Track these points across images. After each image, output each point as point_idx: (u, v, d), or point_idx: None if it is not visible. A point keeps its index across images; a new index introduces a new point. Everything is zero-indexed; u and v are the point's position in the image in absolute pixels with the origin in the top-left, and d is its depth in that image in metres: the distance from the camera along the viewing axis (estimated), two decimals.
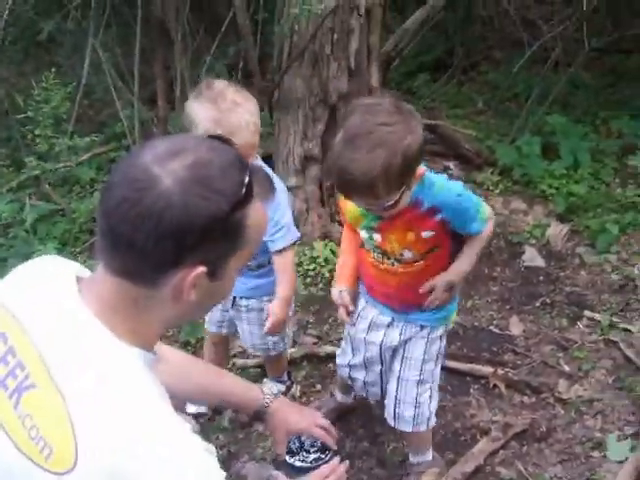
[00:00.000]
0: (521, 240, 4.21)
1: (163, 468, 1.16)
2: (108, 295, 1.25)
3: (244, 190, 1.21)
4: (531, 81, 5.39)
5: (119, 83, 4.95)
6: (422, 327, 2.35)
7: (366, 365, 2.54)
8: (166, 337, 3.47)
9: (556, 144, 4.63)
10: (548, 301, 3.75)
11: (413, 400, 2.44)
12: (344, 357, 2.62)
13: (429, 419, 2.50)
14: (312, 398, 3.19)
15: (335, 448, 1.97)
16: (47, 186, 4.80)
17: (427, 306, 2.25)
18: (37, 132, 4.12)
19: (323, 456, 2.05)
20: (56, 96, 4.08)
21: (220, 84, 2.25)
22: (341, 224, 4.25)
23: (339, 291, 2.39)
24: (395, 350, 2.43)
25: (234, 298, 2.67)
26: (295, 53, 3.85)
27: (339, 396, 2.93)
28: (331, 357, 3.14)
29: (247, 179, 1.22)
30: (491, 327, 3.59)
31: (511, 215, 4.38)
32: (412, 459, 2.70)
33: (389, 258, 2.18)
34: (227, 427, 3.05)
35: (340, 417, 2.94)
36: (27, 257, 3.97)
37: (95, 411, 1.17)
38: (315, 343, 3.52)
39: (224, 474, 1.26)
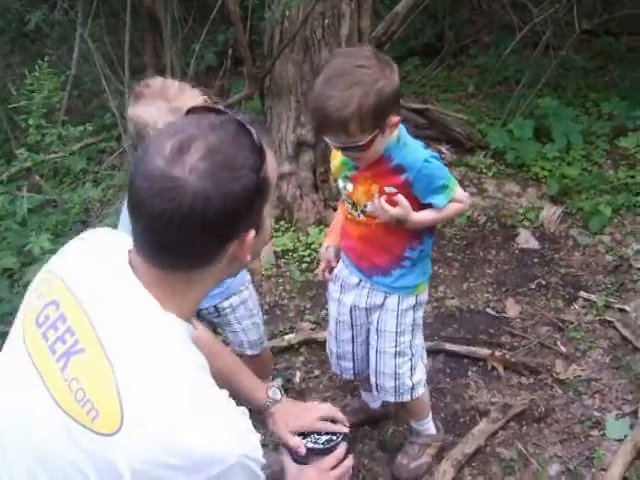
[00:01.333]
0: (515, 223, 4.22)
1: (203, 433, 1.20)
2: (157, 276, 1.29)
3: (259, 151, 1.26)
4: (521, 64, 5.40)
5: (109, 73, 4.91)
6: (386, 296, 2.36)
7: (337, 336, 2.58)
8: None
9: (548, 127, 4.64)
10: (543, 283, 3.77)
11: (392, 372, 2.47)
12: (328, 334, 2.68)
13: (413, 389, 2.51)
14: (311, 384, 3.20)
15: (346, 431, 1.96)
16: (38, 178, 4.77)
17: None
18: (30, 122, 4.08)
19: (335, 437, 2.05)
20: (48, 86, 4.04)
21: (157, 79, 2.21)
22: (335, 209, 4.26)
23: (326, 246, 2.51)
24: (370, 323, 2.47)
25: (215, 308, 2.61)
26: (286, 39, 3.83)
27: (363, 394, 2.93)
28: None
29: (256, 139, 1.26)
30: (487, 309, 3.61)
31: (504, 198, 4.38)
32: (413, 424, 2.74)
33: (356, 209, 2.24)
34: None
35: (368, 422, 2.93)
36: (20, 249, 4.00)
37: (141, 378, 1.21)
38: (313, 329, 3.53)
39: (258, 435, 1.30)
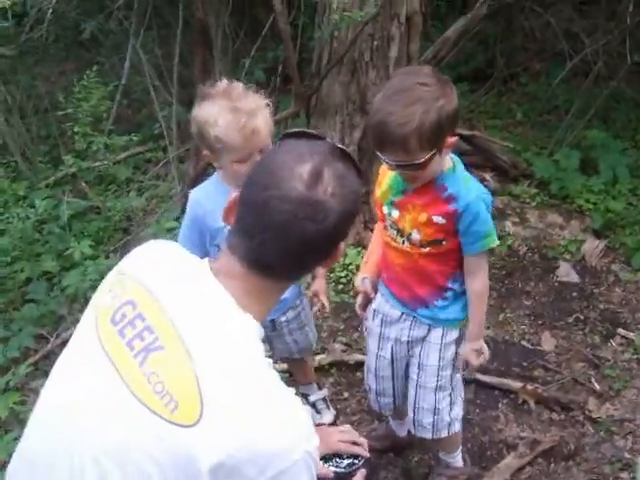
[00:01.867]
0: (556, 255, 4.16)
1: (275, 427, 1.27)
2: (253, 282, 1.39)
3: (360, 174, 1.43)
4: (571, 94, 5.32)
5: (158, 84, 4.98)
6: (430, 328, 2.34)
7: (376, 372, 2.55)
8: None
9: (595, 159, 4.57)
10: (581, 317, 3.70)
11: (432, 407, 2.44)
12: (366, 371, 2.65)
13: (450, 425, 2.49)
14: (339, 406, 3.19)
15: (367, 455, 1.95)
16: (83, 184, 4.84)
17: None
18: (76, 129, 4.16)
19: (356, 462, 2.05)
20: (96, 94, 4.12)
21: (224, 81, 2.24)
22: (373, 231, 4.25)
23: (362, 278, 2.48)
24: (411, 356, 2.44)
25: (272, 322, 2.67)
26: (334, 59, 3.84)
27: (391, 423, 2.89)
28: (359, 365, 3.13)
29: (358, 164, 1.43)
30: (523, 342, 3.56)
31: (547, 229, 4.32)
32: (442, 456, 2.71)
33: (401, 236, 2.22)
34: None
35: (393, 449, 2.91)
36: (61, 253, 4.05)
37: (220, 372, 1.28)
38: (344, 351, 3.51)
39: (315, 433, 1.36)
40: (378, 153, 2.04)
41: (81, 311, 3.51)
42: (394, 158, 2.00)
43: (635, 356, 3.40)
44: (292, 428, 1.30)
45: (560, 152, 4.60)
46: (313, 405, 3.07)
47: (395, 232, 2.24)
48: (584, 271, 4.05)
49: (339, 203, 1.33)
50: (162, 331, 1.32)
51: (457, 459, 2.71)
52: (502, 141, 4.83)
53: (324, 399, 3.11)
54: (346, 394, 3.27)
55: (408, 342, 2.40)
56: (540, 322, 3.69)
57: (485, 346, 2.34)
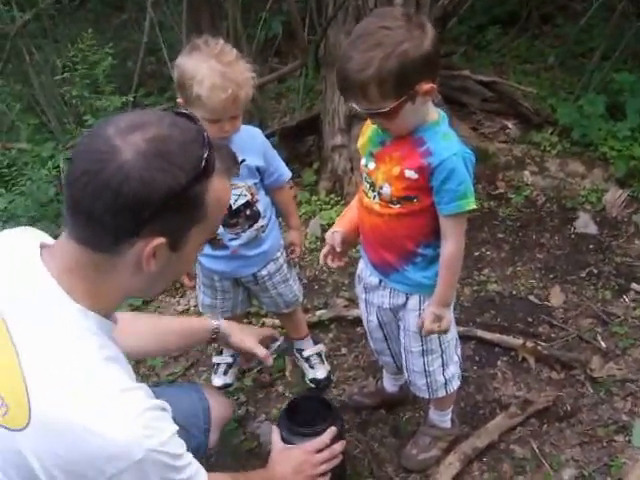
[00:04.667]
0: (575, 205, 4.00)
1: (105, 428, 1.22)
2: (68, 259, 1.31)
3: (203, 164, 1.26)
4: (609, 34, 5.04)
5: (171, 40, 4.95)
6: (408, 296, 2.26)
7: (371, 335, 2.54)
8: None
9: (622, 103, 4.32)
10: (595, 271, 3.56)
11: (421, 370, 2.40)
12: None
13: (446, 384, 2.44)
14: (335, 362, 3.17)
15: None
16: None
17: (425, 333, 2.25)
18: (74, 92, 4.20)
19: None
20: (102, 56, 4.13)
21: (220, 41, 2.25)
22: None
23: (333, 232, 2.36)
24: (398, 320, 2.38)
25: (254, 276, 2.68)
26: (337, 7, 3.72)
27: (385, 377, 2.85)
28: (359, 321, 3.07)
29: (207, 154, 1.27)
30: (530, 296, 3.44)
31: (567, 178, 4.15)
32: (432, 414, 2.66)
33: (373, 190, 2.12)
34: (249, 386, 3.08)
35: (383, 406, 2.88)
36: None
37: (46, 372, 1.24)
38: (346, 306, 3.47)
39: (173, 427, 1.34)
40: (346, 100, 1.97)
41: None
42: (359, 105, 1.90)
43: None
44: (124, 430, 1.24)
45: (585, 97, 4.37)
46: (307, 360, 3.06)
47: (368, 185, 2.15)
48: (604, 222, 3.89)
49: (133, 156, 1.20)
50: None
51: (445, 419, 2.66)
52: (528, 87, 4.64)
53: (319, 354, 3.09)
54: (344, 350, 3.24)
55: (391, 309, 2.35)
56: (551, 276, 3.56)
57: (449, 317, 2.21)
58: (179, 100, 2.28)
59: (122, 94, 4.98)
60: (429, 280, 2.19)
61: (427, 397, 2.49)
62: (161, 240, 1.27)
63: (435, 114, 2.01)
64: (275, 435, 2.07)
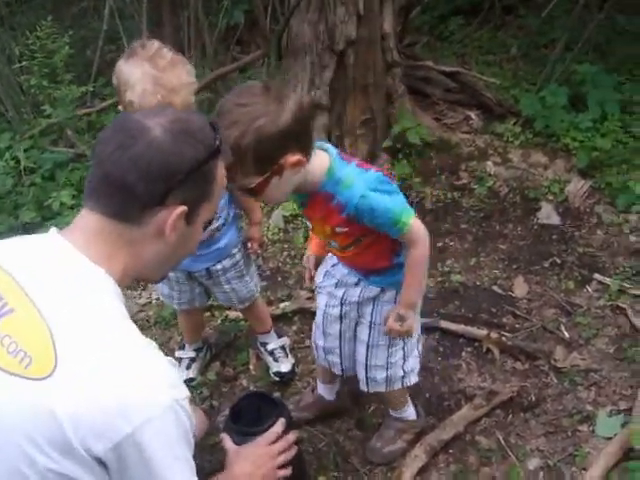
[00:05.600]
0: (538, 196, 4.01)
1: (132, 377, 1.27)
2: (90, 229, 1.39)
3: (217, 143, 1.43)
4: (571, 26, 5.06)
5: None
6: (383, 289, 2.26)
7: (324, 329, 2.48)
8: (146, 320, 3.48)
9: (584, 95, 4.35)
10: (558, 262, 3.57)
11: (384, 362, 2.38)
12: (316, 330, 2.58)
13: (403, 377, 2.43)
14: (299, 354, 3.14)
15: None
16: (69, 132, 4.76)
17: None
18: (32, 82, 4.09)
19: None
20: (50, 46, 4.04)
21: (155, 44, 2.14)
22: None
23: (307, 256, 2.51)
24: (360, 317, 2.37)
25: (207, 271, 2.65)
26: None
27: (320, 387, 2.80)
28: None
29: (219, 135, 1.45)
30: (494, 287, 3.45)
31: (530, 169, 4.15)
32: (392, 413, 2.65)
33: (328, 244, 2.20)
34: (212, 380, 3.04)
35: (321, 417, 2.81)
36: (41, 204, 4.00)
37: (73, 328, 1.28)
38: (309, 298, 3.43)
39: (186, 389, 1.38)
40: None
41: None
42: (230, 183, 1.84)
43: (610, 302, 3.26)
44: (151, 377, 1.30)
45: (547, 88, 4.38)
46: (271, 353, 3.03)
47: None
48: (566, 213, 3.90)
49: (162, 132, 1.34)
50: (11, 296, 1.32)
51: (408, 413, 2.64)
52: (490, 77, 4.64)
53: (282, 347, 3.07)
54: (308, 342, 3.18)
55: (358, 302, 2.33)
56: (514, 266, 3.57)
57: (411, 320, 2.20)
58: (119, 107, 2.17)
59: (81, 83, 4.90)
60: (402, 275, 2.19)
61: (384, 390, 2.47)
62: (183, 208, 1.38)
63: (325, 161, 1.92)
64: (226, 441, 2.02)
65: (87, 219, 1.40)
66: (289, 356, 3.06)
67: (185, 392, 1.36)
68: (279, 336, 3.11)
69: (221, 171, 1.47)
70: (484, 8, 5.78)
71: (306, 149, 1.83)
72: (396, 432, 2.65)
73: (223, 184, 1.50)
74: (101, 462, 1.26)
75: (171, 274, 2.66)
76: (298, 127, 1.78)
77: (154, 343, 1.38)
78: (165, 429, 1.30)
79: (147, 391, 1.28)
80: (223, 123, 1.69)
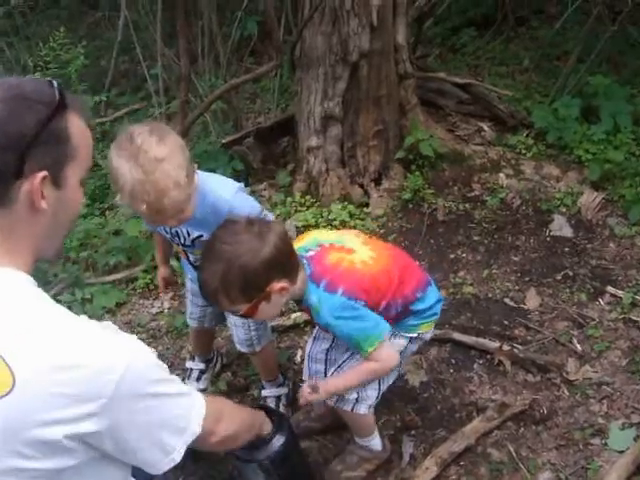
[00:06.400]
0: (550, 208, 4.00)
1: (85, 351, 1.28)
2: None
3: (58, 97, 1.36)
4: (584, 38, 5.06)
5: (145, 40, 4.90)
6: None
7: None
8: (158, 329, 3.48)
9: (597, 107, 4.34)
10: (570, 274, 3.56)
11: None
12: None
13: (357, 402, 2.40)
14: None
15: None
16: None
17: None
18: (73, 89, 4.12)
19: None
20: (75, 55, 4.07)
21: (140, 135, 1.95)
22: (361, 186, 4.14)
23: None
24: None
25: None
26: (313, 8, 3.69)
27: None
28: None
29: (57, 91, 1.37)
30: (506, 299, 3.44)
31: (542, 181, 4.15)
32: (357, 440, 2.63)
33: None
34: (223, 390, 3.04)
35: (332, 428, 2.79)
36: None
37: (8, 330, 1.26)
38: None
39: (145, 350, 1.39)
40: None
41: (63, 269, 3.42)
42: (220, 308, 2.13)
43: (622, 316, 3.25)
44: (100, 346, 1.30)
45: (560, 100, 4.38)
46: (264, 399, 2.94)
47: None
48: (579, 225, 3.89)
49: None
50: None
51: (373, 443, 2.61)
52: (503, 89, 4.64)
53: (278, 397, 2.94)
54: None
55: None
56: (527, 279, 3.56)
57: (319, 398, 2.30)
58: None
59: (95, 93, 4.95)
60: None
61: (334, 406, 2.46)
62: (43, 173, 1.32)
63: (304, 279, 2.09)
64: None
65: None
66: (280, 408, 2.90)
67: (139, 343, 1.38)
68: (282, 383, 2.98)
69: (76, 125, 1.39)
70: (496, 20, 5.79)
71: (291, 274, 2.02)
72: (359, 459, 2.61)
73: (87, 137, 1.43)
74: (87, 442, 1.29)
75: (189, 283, 2.67)
76: (281, 257, 1.96)
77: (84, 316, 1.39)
78: (139, 370, 1.34)
79: (107, 350, 1.30)
80: (209, 260, 1.94)
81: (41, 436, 1.24)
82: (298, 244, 2.18)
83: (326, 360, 2.44)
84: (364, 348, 2.12)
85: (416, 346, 2.41)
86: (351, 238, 2.30)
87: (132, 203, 1.97)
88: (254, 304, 1.98)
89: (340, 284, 2.08)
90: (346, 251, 2.19)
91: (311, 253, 2.16)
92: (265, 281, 1.95)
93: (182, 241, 2.36)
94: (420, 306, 2.28)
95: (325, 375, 2.42)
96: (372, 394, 2.39)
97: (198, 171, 2.16)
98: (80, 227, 4.03)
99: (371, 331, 2.11)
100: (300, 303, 2.19)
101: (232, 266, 1.89)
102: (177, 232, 2.33)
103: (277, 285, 1.97)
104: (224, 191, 2.25)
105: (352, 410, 2.41)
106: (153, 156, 1.92)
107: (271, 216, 2.43)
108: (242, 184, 2.35)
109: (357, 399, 2.38)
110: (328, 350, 2.45)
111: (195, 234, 2.30)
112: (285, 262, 1.99)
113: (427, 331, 2.37)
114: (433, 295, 2.34)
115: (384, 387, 2.42)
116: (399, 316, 2.25)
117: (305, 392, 2.26)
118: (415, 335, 2.34)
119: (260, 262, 1.91)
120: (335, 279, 2.09)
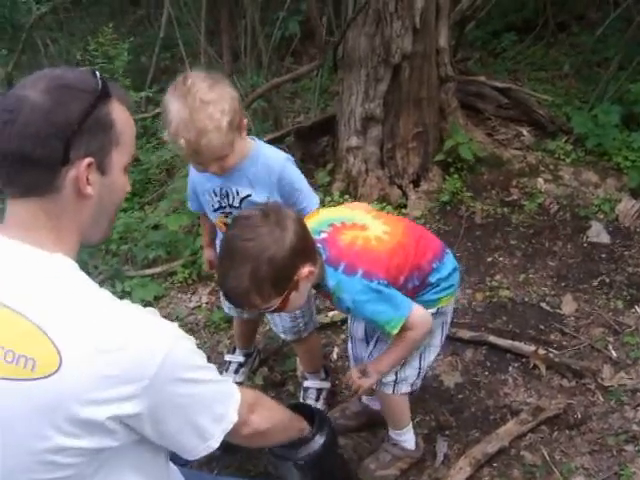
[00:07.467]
0: (588, 214, 4.00)
1: (130, 333, 1.31)
2: (20, 219, 1.38)
3: (100, 87, 1.39)
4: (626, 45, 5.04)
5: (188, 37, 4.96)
6: None
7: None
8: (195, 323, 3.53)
9: (637, 114, 4.34)
10: (607, 281, 3.56)
11: None
12: None
13: (396, 383, 2.41)
14: (347, 363, 3.16)
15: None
16: None
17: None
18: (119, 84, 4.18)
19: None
20: (120, 51, 4.14)
21: (194, 78, 2.07)
22: (400, 187, 4.17)
23: None
24: None
25: None
26: (357, 10, 3.73)
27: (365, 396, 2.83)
28: None
29: (100, 79, 1.41)
30: (542, 304, 3.45)
31: (580, 187, 4.15)
32: (391, 433, 2.64)
33: None
34: (259, 385, 3.08)
35: (367, 425, 2.83)
36: None
37: (57, 312, 1.28)
38: None
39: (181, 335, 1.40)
40: None
41: (103, 262, 3.47)
42: (251, 311, 2.19)
43: None
44: (145, 328, 1.34)
45: (600, 106, 4.38)
46: (305, 390, 2.98)
47: None
48: (616, 232, 3.89)
49: (39, 95, 1.32)
50: None
51: (406, 438, 2.63)
52: (543, 94, 4.64)
53: (319, 390, 2.98)
54: None
55: None
56: (563, 284, 3.57)
57: (369, 383, 2.27)
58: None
59: (135, 89, 5.01)
60: (430, 295, 2.27)
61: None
62: (89, 160, 1.36)
63: (321, 261, 2.04)
64: None
65: (14, 209, 1.39)
66: (320, 402, 2.95)
67: (175, 327, 1.40)
68: (325, 378, 3.02)
69: (119, 112, 1.42)
70: (537, 25, 5.79)
71: (313, 257, 1.96)
72: (392, 458, 2.63)
73: (130, 124, 1.48)
74: (126, 424, 1.32)
75: None
76: (302, 241, 1.90)
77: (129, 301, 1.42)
78: (181, 355, 1.37)
79: (148, 340, 1.32)
80: (233, 262, 1.84)
81: (84, 415, 1.25)
82: (308, 225, 2.08)
83: (367, 340, 2.47)
84: (387, 330, 2.07)
85: (440, 321, 2.35)
86: (361, 213, 2.25)
87: (174, 139, 2.09)
88: (286, 296, 1.92)
89: (359, 265, 2.02)
90: (360, 228, 2.12)
91: (324, 235, 2.09)
92: (293, 269, 1.89)
93: (230, 201, 2.41)
94: (437, 276, 2.21)
95: (369, 357, 2.40)
96: (411, 373, 2.39)
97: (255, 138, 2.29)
98: (120, 221, 4.10)
99: (393, 313, 2.05)
100: (319, 288, 2.14)
101: (261, 262, 1.81)
102: (227, 192, 2.39)
103: (304, 271, 1.91)
104: (278, 155, 2.40)
105: (394, 392, 2.41)
106: (200, 98, 2.03)
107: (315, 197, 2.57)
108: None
109: (395, 380, 2.39)
110: (366, 330, 2.48)
111: (244, 193, 2.36)
112: (306, 245, 1.94)
113: (447, 305, 2.32)
114: (450, 264, 2.27)
115: (425, 364, 2.41)
116: (417, 289, 2.20)
117: (355, 378, 2.25)
118: (434, 310, 2.26)
119: (287, 250, 1.84)
120: (353, 260, 2.03)
